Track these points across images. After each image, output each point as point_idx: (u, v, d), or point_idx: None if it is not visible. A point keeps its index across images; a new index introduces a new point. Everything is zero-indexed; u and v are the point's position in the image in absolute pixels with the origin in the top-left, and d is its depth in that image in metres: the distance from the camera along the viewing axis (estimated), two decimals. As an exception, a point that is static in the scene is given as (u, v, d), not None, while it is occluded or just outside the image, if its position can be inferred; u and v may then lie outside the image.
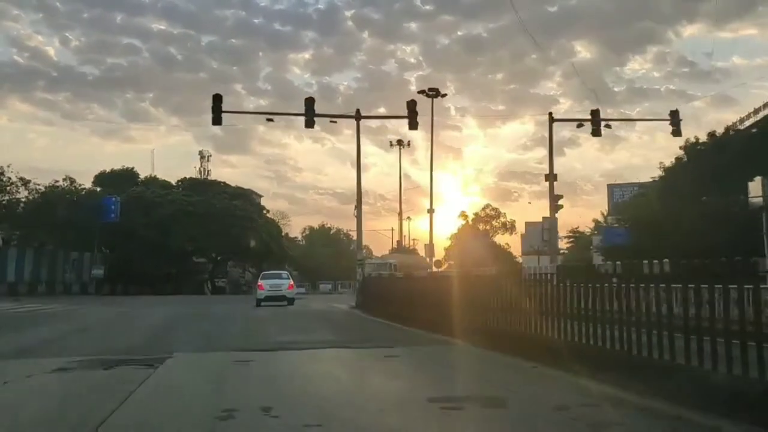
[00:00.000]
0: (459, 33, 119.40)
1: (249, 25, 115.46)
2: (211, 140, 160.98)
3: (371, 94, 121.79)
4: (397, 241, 63.54)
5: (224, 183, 66.65)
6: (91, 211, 53.08)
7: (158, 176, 66.73)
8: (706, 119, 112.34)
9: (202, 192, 62.84)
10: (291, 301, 27.77)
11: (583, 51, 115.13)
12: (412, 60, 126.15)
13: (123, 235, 56.78)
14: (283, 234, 72.58)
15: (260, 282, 28.91)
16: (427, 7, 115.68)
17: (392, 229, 71.20)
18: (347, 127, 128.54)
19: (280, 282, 29.09)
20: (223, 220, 61.37)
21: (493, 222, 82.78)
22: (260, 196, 75.89)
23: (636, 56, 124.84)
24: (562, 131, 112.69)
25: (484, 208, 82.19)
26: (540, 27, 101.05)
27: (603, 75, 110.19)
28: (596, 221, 69.07)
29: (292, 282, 30.74)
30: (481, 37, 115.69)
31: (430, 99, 39.91)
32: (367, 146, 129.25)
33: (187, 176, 67.12)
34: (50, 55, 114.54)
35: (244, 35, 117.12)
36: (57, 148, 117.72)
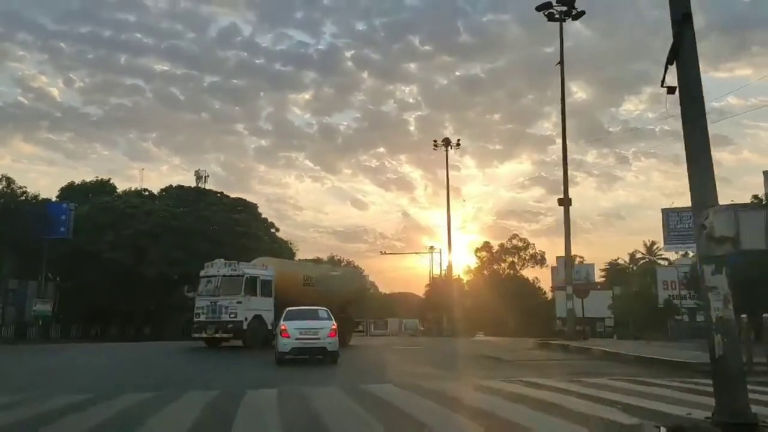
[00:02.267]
0: (457, 73, 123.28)
1: (250, 65, 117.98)
2: (212, 179, 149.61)
3: (371, 133, 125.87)
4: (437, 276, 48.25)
5: (221, 193, 51.92)
6: (34, 224, 38.02)
7: (142, 189, 51.47)
8: None
9: (190, 203, 47.91)
10: (334, 356, 16.76)
11: (579, 91, 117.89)
12: (411, 100, 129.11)
13: (81, 258, 41.96)
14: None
15: (283, 324, 16.86)
16: (426, 48, 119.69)
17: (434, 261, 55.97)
18: (346, 167, 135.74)
19: (316, 325, 17.16)
20: (220, 239, 46.44)
21: (521, 253, 76.64)
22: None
23: (631, 96, 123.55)
24: (559, 171, 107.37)
25: (510, 239, 76.55)
26: (536, 67, 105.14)
27: (598, 115, 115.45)
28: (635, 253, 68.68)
29: (335, 325, 17.41)
30: (478, 78, 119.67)
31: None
32: (365, 185, 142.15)
33: (174, 184, 52.10)
34: (54, 95, 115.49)
35: (246, 75, 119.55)
36: (58, 187, 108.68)
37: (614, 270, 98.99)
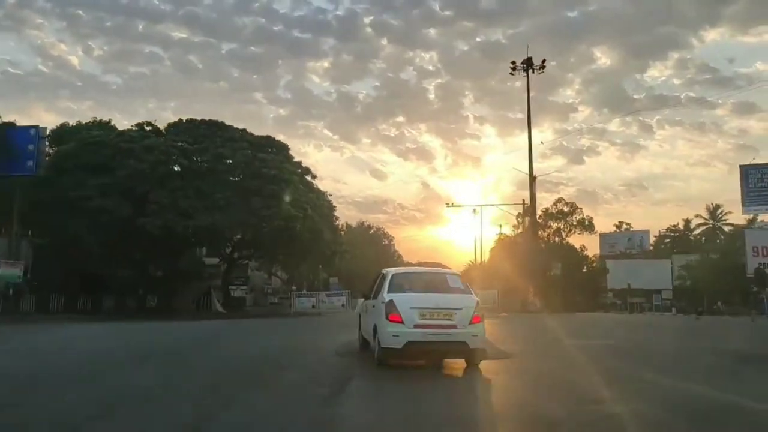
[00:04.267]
0: (478, 39, 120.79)
1: (269, 32, 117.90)
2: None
3: (390, 101, 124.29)
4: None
5: (244, 129, 40.98)
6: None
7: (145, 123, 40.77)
8: (729, 126, 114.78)
9: (204, 138, 37.14)
10: (478, 356, 9.50)
11: (603, 57, 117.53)
12: (431, 67, 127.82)
13: (63, 207, 31.90)
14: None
15: (389, 298, 9.40)
16: (446, 13, 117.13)
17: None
18: (365, 136, 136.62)
19: (449, 301, 9.57)
20: (243, 184, 35.91)
21: (568, 219, 71.62)
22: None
23: (657, 62, 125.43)
24: (581, 140, 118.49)
25: (555, 203, 71.50)
26: (559, 33, 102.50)
27: (623, 82, 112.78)
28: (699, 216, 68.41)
29: (478, 302, 9.67)
30: (500, 44, 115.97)
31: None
32: (384, 155, 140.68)
33: (184, 119, 41.25)
34: (74, 64, 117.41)
35: (264, 43, 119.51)
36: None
37: (672, 238, 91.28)
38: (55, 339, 16.94)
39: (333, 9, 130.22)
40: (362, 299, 12.87)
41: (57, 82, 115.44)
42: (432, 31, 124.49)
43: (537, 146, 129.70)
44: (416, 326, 9.00)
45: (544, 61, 42.37)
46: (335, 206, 44.54)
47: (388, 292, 9.59)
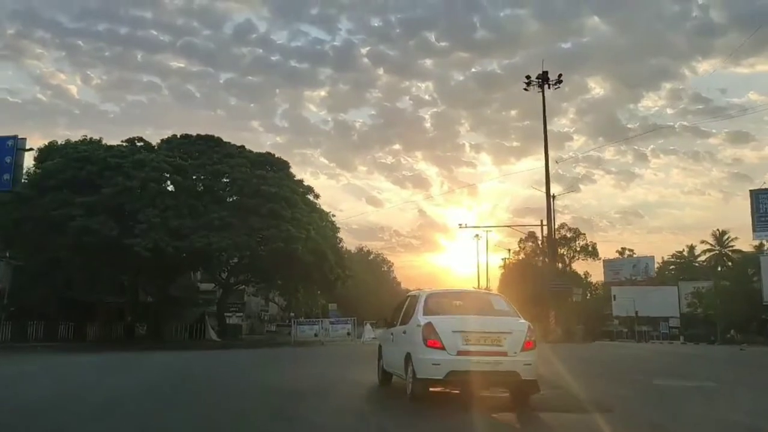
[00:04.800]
0: (473, 69, 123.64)
1: (266, 62, 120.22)
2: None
3: (386, 130, 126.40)
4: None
5: (242, 146, 38.48)
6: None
7: (136, 138, 38.14)
8: (723, 155, 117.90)
9: (199, 154, 34.74)
10: (530, 389, 8.16)
11: (597, 87, 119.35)
12: (427, 97, 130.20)
13: (44, 226, 29.25)
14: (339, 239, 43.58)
15: (426, 320, 8.36)
16: (442, 44, 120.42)
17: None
18: (362, 163, 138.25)
19: (497, 325, 8.36)
20: (241, 203, 33.40)
21: (571, 245, 71.51)
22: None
23: (650, 93, 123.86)
24: (577, 168, 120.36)
25: (559, 228, 68.65)
26: (553, 63, 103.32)
27: (616, 112, 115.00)
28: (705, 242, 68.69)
29: (530, 327, 8.27)
30: (495, 74, 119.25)
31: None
32: (381, 182, 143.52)
33: (178, 134, 38.82)
34: (72, 92, 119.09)
35: (262, 72, 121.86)
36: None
37: (678, 264, 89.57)
38: (20, 373, 14.24)
39: (330, 39, 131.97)
40: (382, 327, 11.58)
41: (55, 111, 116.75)
42: (428, 62, 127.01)
43: (533, 173, 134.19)
44: (460, 353, 7.84)
45: (560, 75, 40.17)
46: (339, 227, 41.94)
47: (424, 314, 8.49)
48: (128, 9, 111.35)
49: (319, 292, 59.14)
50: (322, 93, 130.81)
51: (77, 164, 33.51)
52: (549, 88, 40.50)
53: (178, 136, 38.91)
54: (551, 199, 37.58)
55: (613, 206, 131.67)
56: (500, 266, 74.15)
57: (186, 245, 31.49)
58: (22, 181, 34.00)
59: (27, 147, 27.49)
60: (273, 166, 37.92)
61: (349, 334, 35.10)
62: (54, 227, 31.11)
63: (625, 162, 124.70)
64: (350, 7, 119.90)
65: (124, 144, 36.43)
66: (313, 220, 36.87)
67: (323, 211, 40.73)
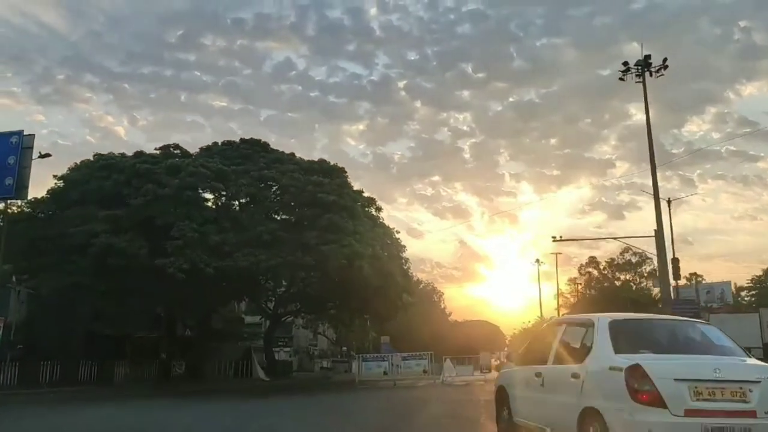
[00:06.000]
0: (511, 99, 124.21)
1: (305, 98, 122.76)
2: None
3: (425, 162, 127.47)
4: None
5: (291, 153, 33.09)
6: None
7: (172, 145, 33.11)
8: None
9: (243, 160, 29.39)
10: None
11: (638, 113, 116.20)
12: (465, 127, 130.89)
13: (65, 248, 24.30)
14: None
15: (631, 361, 5.84)
16: (479, 75, 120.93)
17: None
18: (401, 195, 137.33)
19: (734, 369, 5.91)
20: (294, 216, 27.88)
21: (638, 269, 65.74)
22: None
23: (694, 117, 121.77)
24: (620, 195, 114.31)
25: (622, 252, 65.49)
26: (592, 90, 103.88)
27: (660, 137, 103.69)
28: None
29: None
30: (533, 103, 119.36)
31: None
32: (420, 213, 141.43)
33: (220, 141, 33.61)
34: (120, 134, 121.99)
35: (301, 108, 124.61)
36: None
37: (758, 289, 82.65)
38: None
39: (368, 74, 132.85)
40: (507, 365, 9.10)
41: (103, 152, 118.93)
42: (465, 93, 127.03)
43: (575, 202, 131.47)
44: (688, 413, 5.41)
45: (665, 60, 33.56)
46: (404, 246, 35.77)
47: (616, 351, 6.05)
48: (173, 52, 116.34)
49: (369, 323, 53.32)
50: (361, 127, 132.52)
51: (102, 173, 28.52)
52: (651, 75, 34.05)
53: (219, 144, 33.74)
54: (659, 201, 30.72)
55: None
56: (557, 295, 69.47)
57: (229, 265, 25.81)
58: (42, 197, 29.36)
59: (28, 136, 22.17)
60: (328, 175, 32.17)
61: (425, 371, 28.75)
62: (74, 248, 25.95)
63: (671, 188, 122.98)
64: (386, 41, 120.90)
65: (157, 151, 31.32)
66: (378, 235, 30.90)
67: (387, 226, 34.74)
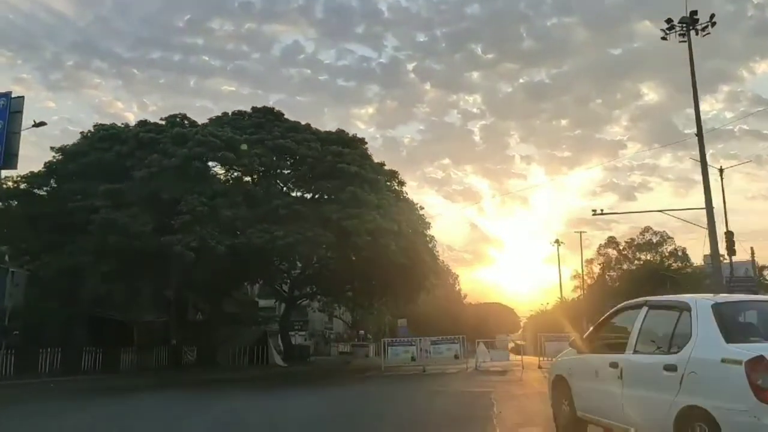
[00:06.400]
0: (521, 80, 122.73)
1: (314, 82, 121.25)
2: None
3: (435, 145, 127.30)
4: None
5: (307, 123, 30.54)
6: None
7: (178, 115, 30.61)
8: None
9: (257, 129, 26.87)
10: None
11: (650, 93, 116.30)
12: (475, 110, 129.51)
13: (63, 225, 21.94)
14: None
15: (757, 354, 4.79)
16: (489, 56, 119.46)
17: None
18: (411, 179, 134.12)
19: None
20: (313, 189, 25.44)
21: (659, 249, 63.06)
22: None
23: (707, 96, 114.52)
24: (632, 176, 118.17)
25: (643, 232, 63.54)
26: (603, 71, 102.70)
27: (672, 117, 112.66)
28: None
29: None
30: (543, 84, 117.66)
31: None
32: (431, 197, 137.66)
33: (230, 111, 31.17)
34: (130, 120, 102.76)
35: (310, 92, 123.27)
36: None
37: None
38: None
39: (376, 57, 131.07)
40: (571, 352, 7.70)
41: None
42: (475, 74, 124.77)
43: (586, 183, 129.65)
44: None
45: (713, 16, 30.55)
46: (429, 223, 33.23)
47: (729, 340, 5.23)
48: (180, 36, 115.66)
49: (385, 306, 51.21)
50: (370, 110, 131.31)
51: (103, 144, 26.16)
52: (697, 34, 31.09)
53: (230, 114, 31.27)
54: (707, 170, 27.95)
55: (674, 213, 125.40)
56: (582, 274, 67.71)
57: (242, 243, 23.44)
58: (40, 171, 27.12)
59: (17, 98, 19.75)
60: (348, 146, 29.60)
61: (457, 356, 26.37)
62: (74, 225, 23.70)
63: (683, 168, 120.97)
64: (395, 23, 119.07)
65: (163, 122, 28.87)
66: (402, 210, 28.42)
67: (411, 201, 32.21)
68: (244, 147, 25.77)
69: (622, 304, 7.23)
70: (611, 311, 7.36)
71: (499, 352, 27.63)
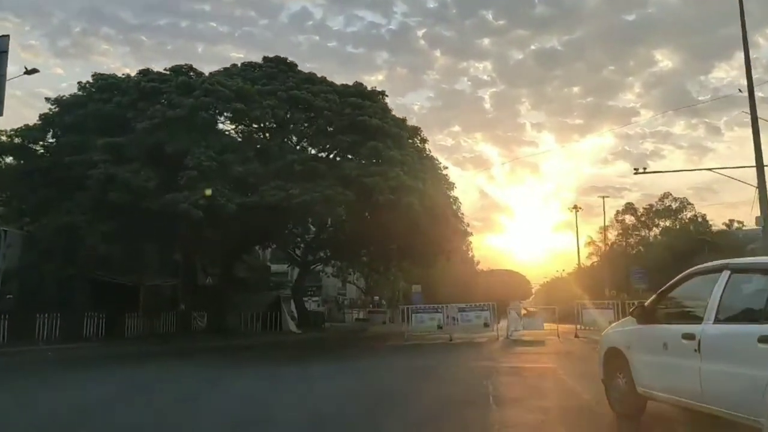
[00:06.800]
0: (532, 47, 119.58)
1: (323, 48, 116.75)
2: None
3: (445, 112, 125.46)
4: None
5: (322, 76, 28.11)
6: None
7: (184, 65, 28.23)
8: None
9: (269, 80, 24.56)
10: None
11: (664, 60, 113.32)
12: (485, 77, 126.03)
13: (59, 181, 19.92)
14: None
15: None
16: (500, 22, 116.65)
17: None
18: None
19: None
20: (330, 143, 23.34)
21: (680, 215, 62.21)
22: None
23: (722, 63, 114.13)
24: (644, 144, 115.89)
25: (662, 198, 62.29)
26: (617, 37, 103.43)
27: (686, 84, 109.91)
28: None
29: None
30: (555, 50, 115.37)
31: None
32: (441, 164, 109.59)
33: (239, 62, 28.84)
34: None
35: (318, 59, 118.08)
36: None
37: None
38: None
39: (386, 23, 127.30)
40: (629, 322, 7.19)
41: None
42: (486, 41, 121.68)
43: (598, 150, 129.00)
44: None
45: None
46: (453, 183, 31.08)
47: None
48: (188, 3, 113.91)
49: (400, 271, 49.44)
50: (380, 77, 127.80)
51: (103, 95, 24.02)
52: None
53: (239, 65, 28.95)
54: (758, 125, 25.39)
55: (686, 182, 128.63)
56: (588, 242, 65.50)
57: (254, 201, 21.41)
58: (34, 124, 25.09)
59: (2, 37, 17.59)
60: (367, 98, 27.26)
61: (486, 324, 24.48)
62: (71, 181, 21.75)
63: (696, 136, 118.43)
64: None
65: (167, 72, 26.59)
66: (426, 168, 26.24)
67: (434, 159, 30.01)
68: (254, 91, 23.56)
69: (694, 268, 6.49)
70: (679, 277, 6.63)
71: (532, 320, 25.62)
